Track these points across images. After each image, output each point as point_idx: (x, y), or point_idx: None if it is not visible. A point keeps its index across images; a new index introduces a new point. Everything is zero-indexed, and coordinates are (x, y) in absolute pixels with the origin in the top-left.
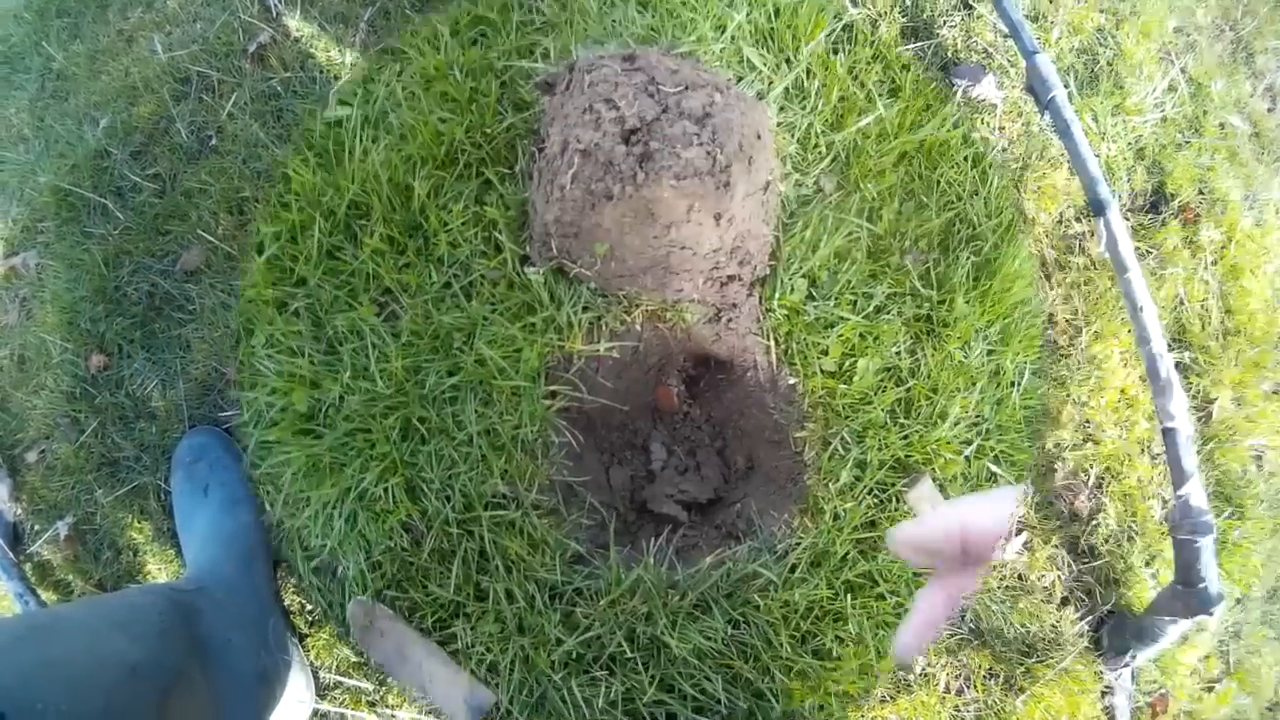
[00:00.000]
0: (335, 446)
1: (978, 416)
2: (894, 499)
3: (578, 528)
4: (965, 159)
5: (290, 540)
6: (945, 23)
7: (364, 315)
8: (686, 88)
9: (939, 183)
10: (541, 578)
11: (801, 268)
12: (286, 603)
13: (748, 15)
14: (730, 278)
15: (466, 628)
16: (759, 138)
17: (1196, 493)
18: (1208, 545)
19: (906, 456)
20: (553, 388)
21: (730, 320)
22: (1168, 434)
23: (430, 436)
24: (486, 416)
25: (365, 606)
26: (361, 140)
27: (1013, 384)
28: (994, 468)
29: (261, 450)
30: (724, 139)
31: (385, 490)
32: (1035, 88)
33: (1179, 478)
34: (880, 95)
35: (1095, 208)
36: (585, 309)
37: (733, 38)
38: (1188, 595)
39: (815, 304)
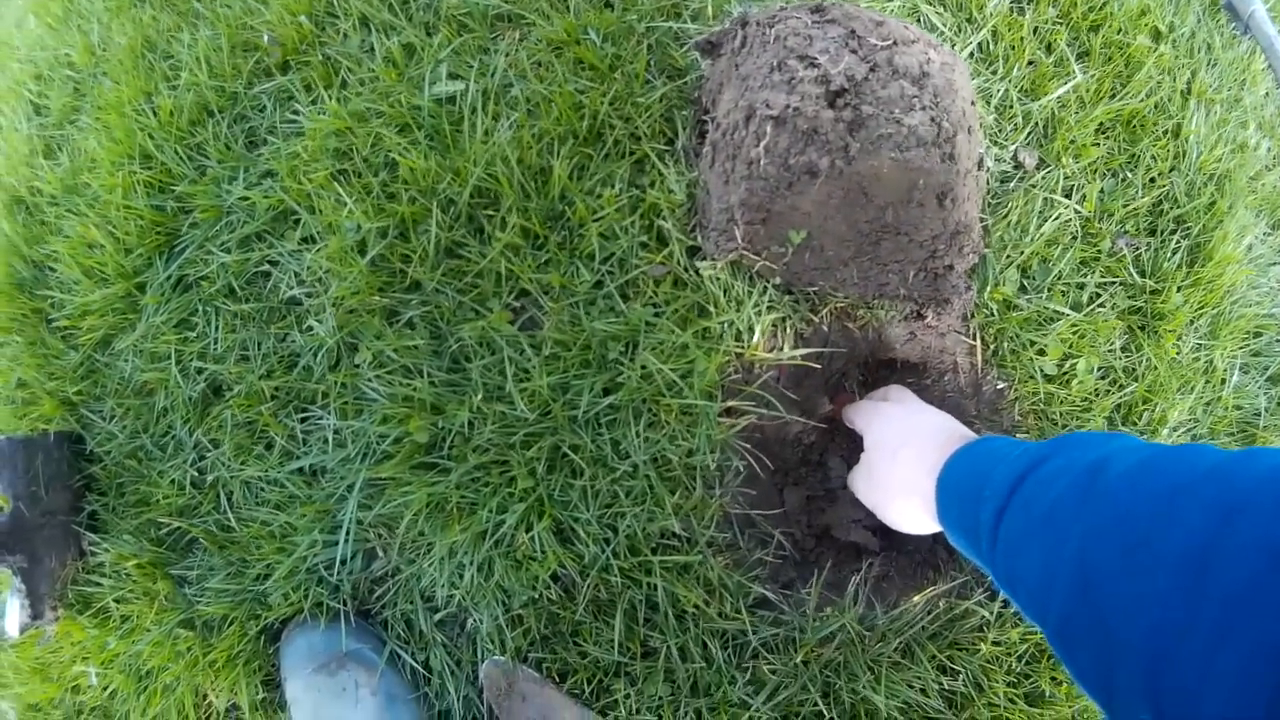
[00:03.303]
0: (464, 483)
1: (1192, 420)
2: None
3: (760, 566)
4: (1164, 131)
5: (409, 590)
6: None
7: (496, 324)
8: (896, 42)
9: (1142, 157)
10: (719, 629)
11: (1014, 256)
12: (400, 663)
13: None
14: (948, 267)
15: (630, 690)
16: (973, 104)
17: None
18: None
19: None
20: (731, 404)
21: (933, 317)
22: None
23: (585, 468)
24: (654, 442)
25: (504, 668)
26: (481, 119)
27: (1223, 382)
28: None
29: (370, 489)
30: (947, 103)
31: (530, 535)
32: (1234, 5)
33: None
34: (1071, 58)
35: None
36: (770, 309)
37: None
38: None
39: (1028, 297)
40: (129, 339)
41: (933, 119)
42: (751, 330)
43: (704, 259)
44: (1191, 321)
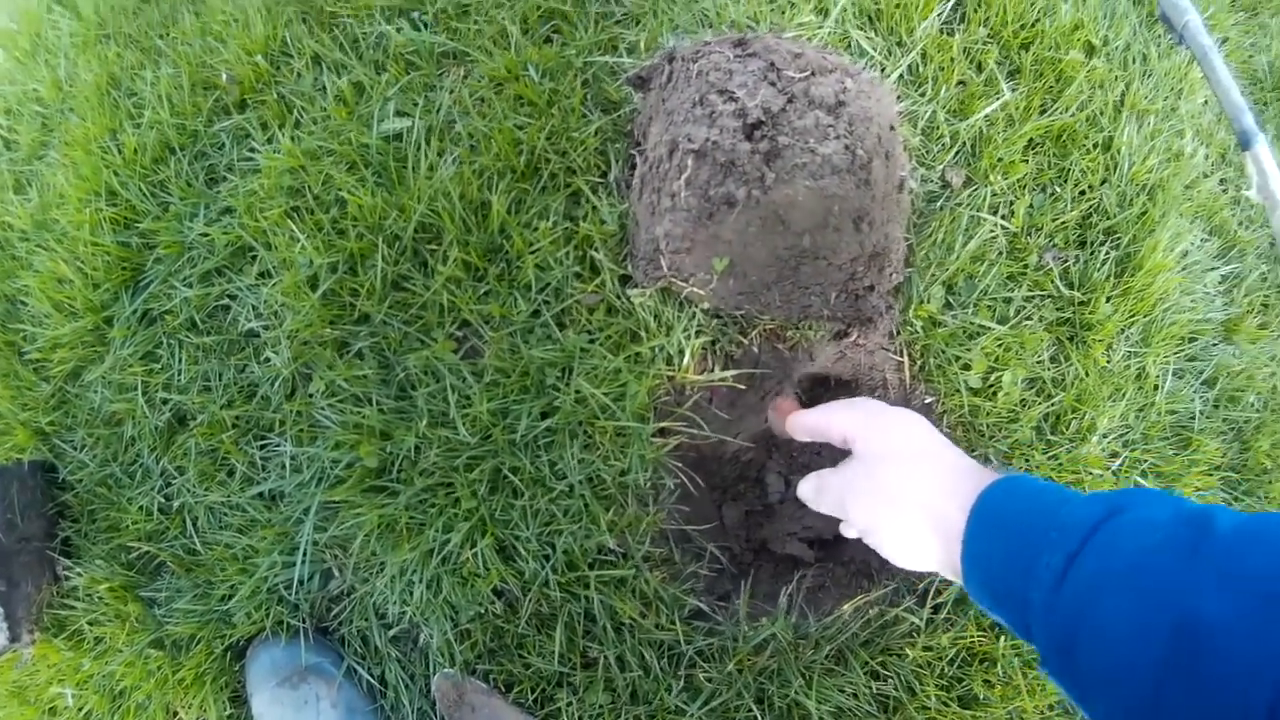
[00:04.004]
0: (412, 505)
1: (1125, 427)
2: None
3: (694, 579)
4: (1095, 144)
5: (363, 607)
6: None
7: (440, 353)
8: (813, 73)
9: (1071, 171)
10: (656, 639)
11: (938, 274)
12: (357, 677)
13: None
14: (868, 289)
15: (572, 699)
16: (892, 129)
17: None
18: None
19: (1056, 476)
20: (663, 425)
21: (859, 336)
22: None
23: (524, 489)
24: (589, 462)
25: (454, 680)
26: (427, 154)
27: (1156, 388)
28: (1141, 481)
29: (326, 512)
30: (861, 131)
31: (474, 552)
32: (1169, 15)
33: None
34: (1000, 77)
35: (1242, 140)
36: (698, 333)
37: (838, 21)
38: None
39: (953, 313)
40: (98, 371)
41: (847, 146)
42: (682, 354)
43: (634, 287)
44: (1123, 330)
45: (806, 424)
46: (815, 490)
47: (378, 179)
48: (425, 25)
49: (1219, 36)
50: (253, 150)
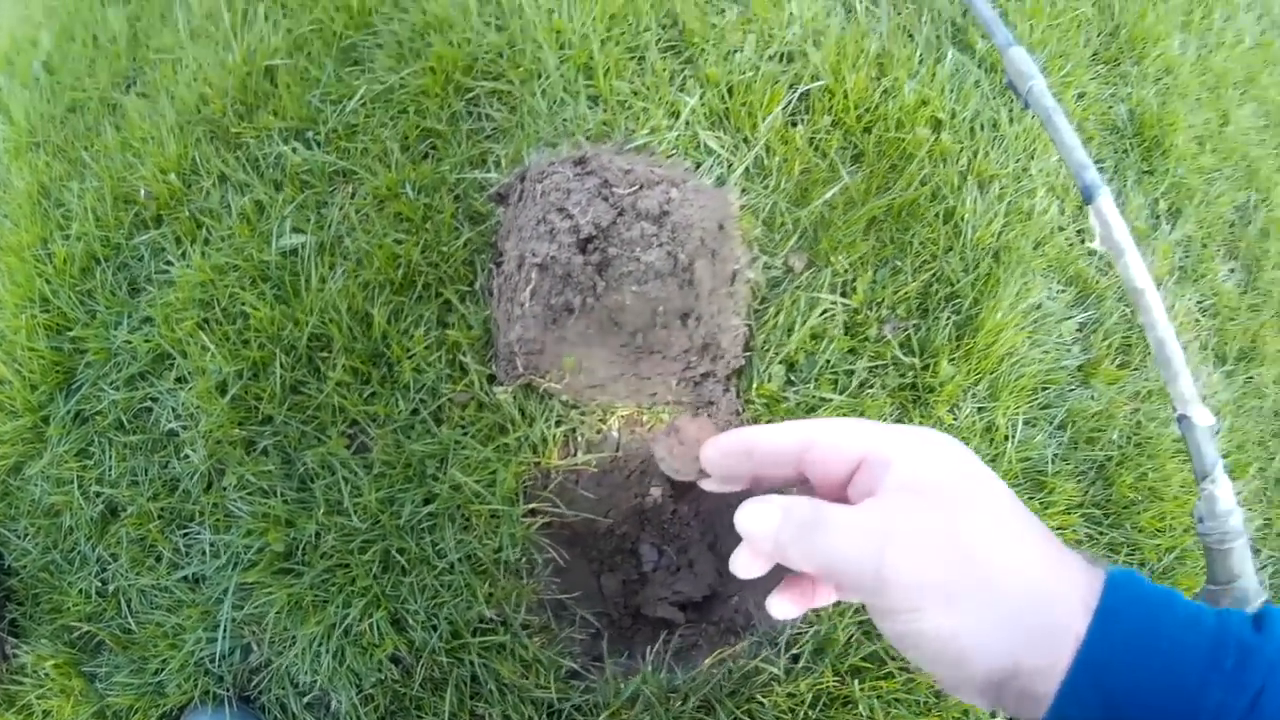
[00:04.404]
0: (316, 584)
1: None
2: None
3: (571, 643)
4: (936, 215)
5: (280, 677)
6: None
7: (334, 449)
8: (641, 187)
9: (912, 244)
10: (537, 698)
11: (778, 354)
12: None
13: (701, 98)
14: (704, 375)
15: None
16: (721, 228)
17: (1223, 489)
18: (1239, 548)
19: None
20: (532, 506)
21: (709, 416)
22: (1182, 421)
23: (411, 567)
24: (466, 542)
25: None
26: (318, 268)
27: (1007, 438)
28: None
29: (242, 592)
30: (683, 236)
31: (370, 624)
32: (1014, 82)
33: (1200, 469)
34: (844, 163)
35: (1085, 195)
36: (558, 423)
37: (688, 123)
38: (1219, 594)
39: (795, 389)
40: (38, 465)
41: (669, 253)
42: (545, 442)
43: (499, 385)
44: (968, 389)
45: (752, 445)
46: (783, 527)
47: (276, 293)
48: (318, 144)
49: (1077, 90)
50: (168, 264)
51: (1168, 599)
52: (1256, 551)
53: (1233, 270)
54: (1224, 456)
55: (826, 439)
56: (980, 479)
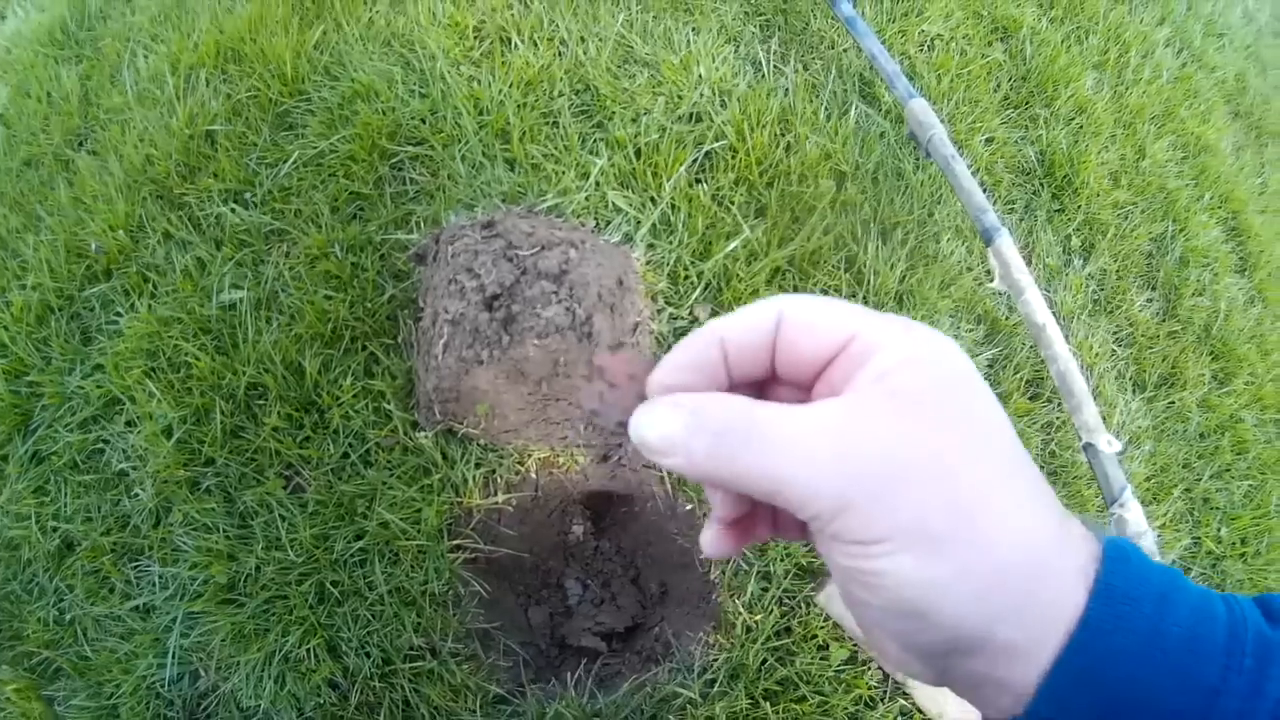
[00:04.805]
0: (257, 613)
1: None
2: (803, 604)
3: (497, 670)
4: (838, 264)
5: (226, 702)
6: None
7: (271, 489)
8: (542, 248)
9: (814, 292)
10: None
11: None
12: None
13: (610, 160)
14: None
15: None
16: (621, 283)
17: (1133, 513)
18: None
19: (809, 563)
20: (456, 542)
21: (620, 458)
22: (1088, 449)
23: (344, 598)
24: (395, 576)
25: None
26: (255, 322)
27: None
28: None
29: (189, 621)
30: (581, 293)
31: (308, 650)
32: (915, 132)
33: (1109, 494)
34: (747, 217)
35: (985, 238)
36: (478, 465)
37: (597, 184)
38: None
39: None
40: None
41: (568, 309)
42: (466, 482)
43: (421, 430)
44: None
45: (722, 333)
46: (695, 436)
47: (217, 344)
48: (255, 205)
49: (985, 136)
50: (117, 315)
51: (1174, 579)
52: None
53: (1150, 300)
54: (1146, 480)
55: (799, 315)
56: (982, 398)
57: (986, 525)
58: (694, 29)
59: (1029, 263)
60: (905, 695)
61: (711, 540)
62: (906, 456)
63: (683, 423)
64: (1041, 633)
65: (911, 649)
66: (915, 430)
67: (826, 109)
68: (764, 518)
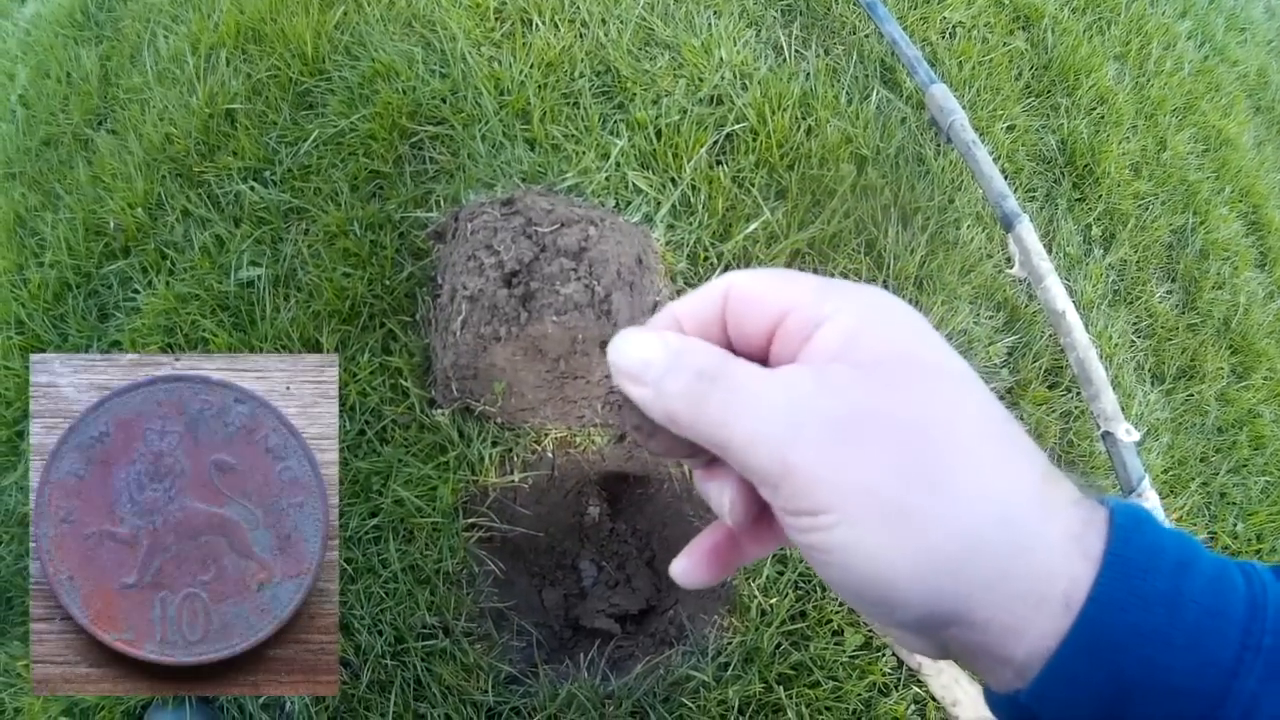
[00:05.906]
0: None
1: None
2: (818, 588)
3: (510, 650)
4: (858, 248)
5: None
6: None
7: None
8: (562, 225)
9: (834, 275)
10: (477, 700)
11: None
12: None
13: (630, 141)
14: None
15: None
16: (640, 262)
17: (1150, 503)
18: None
19: None
20: (471, 521)
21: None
22: (1106, 438)
23: (358, 575)
24: (409, 554)
25: None
26: (273, 299)
27: None
28: None
29: None
30: (600, 271)
31: None
32: (936, 118)
33: (1126, 484)
34: (767, 199)
35: (1005, 223)
36: (494, 444)
37: (617, 164)
38: None
39: None
40: (12, 477)
41: (586, 286)
42: (482, 461)
43: (437, 407)
44: None
45: (679, 315)
46: (673, 371)
47: (234, 321)
48: (274, 183)
49: (1007, 123)
50: (135, 292)
51: (1189, 547)
52: None
53: (1170, 291)
54: (1164, 473)
55: (744, 287)
56: (938, 355)
57: (950, 491)
58: (715, 12)
59: (1049, 251)
60: (919, 683)
61: (687, 569)
62: (856, 416)
63: (665, 354)
64: (1028, 609)
65: (892, 627)
66: (870, 391)
67: (848, 93)
68: (761, 533)
